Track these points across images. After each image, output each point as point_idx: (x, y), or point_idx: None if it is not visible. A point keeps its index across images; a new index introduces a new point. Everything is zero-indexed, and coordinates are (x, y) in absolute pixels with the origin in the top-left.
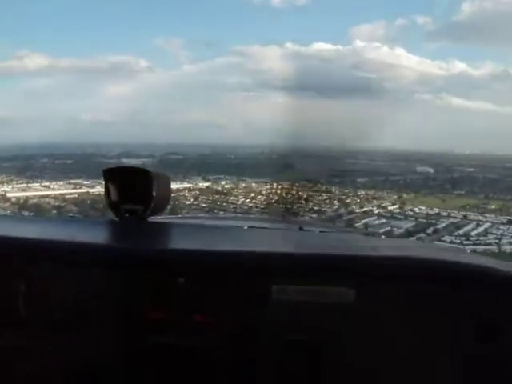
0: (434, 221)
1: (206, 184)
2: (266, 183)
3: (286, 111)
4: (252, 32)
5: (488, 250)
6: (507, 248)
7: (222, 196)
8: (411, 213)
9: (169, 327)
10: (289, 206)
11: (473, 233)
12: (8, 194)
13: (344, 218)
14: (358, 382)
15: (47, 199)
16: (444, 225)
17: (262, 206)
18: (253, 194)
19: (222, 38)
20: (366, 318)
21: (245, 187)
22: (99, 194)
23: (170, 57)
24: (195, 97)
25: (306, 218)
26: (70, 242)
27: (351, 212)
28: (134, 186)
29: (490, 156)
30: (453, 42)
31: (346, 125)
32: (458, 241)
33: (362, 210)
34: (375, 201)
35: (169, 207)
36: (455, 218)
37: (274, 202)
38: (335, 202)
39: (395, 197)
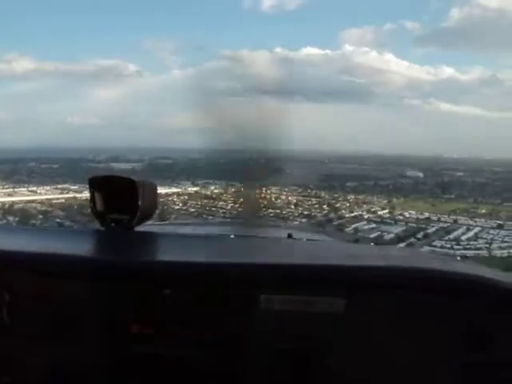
0: (424, 225)
1: (195, 189)
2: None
3: (275, 116)
4: (241, 37)
5: (478, 254)
6: (497, 253)
7: (211, 201)
8: (401, 217)
9: (155, 339)
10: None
11: (463, 237)
12: None
13: (334, 222)
14: None
15: (34, 204)
16: (434, 229)
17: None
18: (242, 199)
19: (211, 43)
20: (355, 327)
21: (234, 192)
22: (86, 199)
23: (158, 61)
24: (184, 101)
25: (296, 222)
26: (54, 254)
27: (341, 217)
28: (119, 195)
29: (479, 160)
30: (441, 48)
31: (335, 129)
32: (449, 245)
33: (352, 214)
34: (365, 205)
35: (157, 212)
36: (445, 222)
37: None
38: (324, 206)
39: (385, 201)
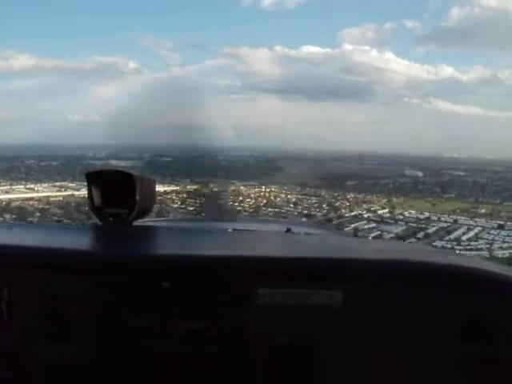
0: (424, 225)
1: (194, 187)
2: (254, 186)
3: (275, 114)
4: (242, 35)
5: (479, 255)
6: (498, 253)
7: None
8: (401, 217)
9: (153, 333)
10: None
11: (464, 237)
12: None
13: (334, 222)
14: None
15: (31, 202)
16: (434, 229)
17: (251, 210)
18: (241, 198)
19: (211, 40)
20: (354, 321)
21: (233, 190)
22: (84, 197)
23: (158, 58)
24: (184, 99)
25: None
26: (51, 248)
27: (341, 216)
28: (117, 189)
29: (479, 160)
30: (441, 47)
31: (334, 128)
32: (450, 246)
33: (352, 213)
34: (365, 204)
35: (155, 210)
36: (446, 222)
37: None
38: (324, 205)
39: (385, 200)
